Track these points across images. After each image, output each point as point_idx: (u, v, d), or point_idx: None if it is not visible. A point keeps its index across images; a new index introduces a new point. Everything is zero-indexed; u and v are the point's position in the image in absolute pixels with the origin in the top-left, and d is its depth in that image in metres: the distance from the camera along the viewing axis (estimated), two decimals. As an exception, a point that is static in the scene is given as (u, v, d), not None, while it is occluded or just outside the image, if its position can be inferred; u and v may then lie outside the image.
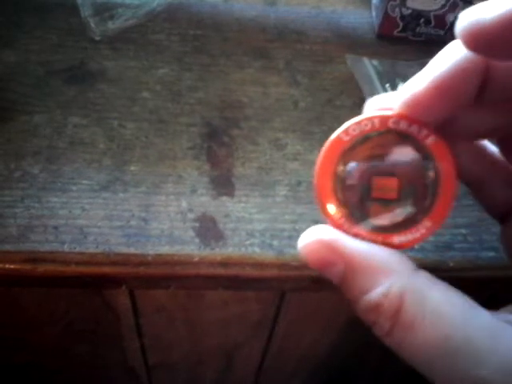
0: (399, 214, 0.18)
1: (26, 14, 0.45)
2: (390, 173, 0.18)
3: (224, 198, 0.35)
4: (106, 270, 0.31)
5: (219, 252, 0.32)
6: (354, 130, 0.18)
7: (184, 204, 0.34)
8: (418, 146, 0.18)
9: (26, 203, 0.33)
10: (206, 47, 0.45)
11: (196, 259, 0.32)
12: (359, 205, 0.19)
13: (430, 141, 0.18)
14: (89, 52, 0.43)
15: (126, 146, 0.37)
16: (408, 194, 0.18)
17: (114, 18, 0.44)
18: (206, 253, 0.32)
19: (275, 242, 0.33)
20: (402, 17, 0.46)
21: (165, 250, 0.32)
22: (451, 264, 0.33)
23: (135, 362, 0.53)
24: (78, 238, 0.32)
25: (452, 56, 0.17)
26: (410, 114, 0.18)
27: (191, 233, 0.33)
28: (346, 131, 0.18)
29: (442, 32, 0.47)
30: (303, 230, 0.17)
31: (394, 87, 0.42)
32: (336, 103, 0.42)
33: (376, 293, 0.16)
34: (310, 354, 0.56)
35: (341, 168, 0.18)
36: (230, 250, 0.32)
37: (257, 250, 0.32)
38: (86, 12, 0.43)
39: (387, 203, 0.18)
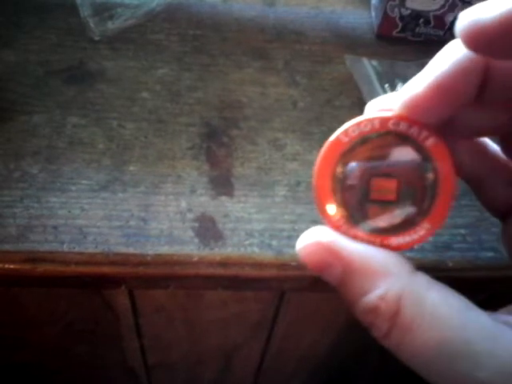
0: (398, 215, 0.18)
1: (25, 14, 0.45)
2: (389, 174, 0.18)
3: (223, 198, 0.35)
4: (106, 269, 0.31)
5: (218, 252, 0.32)
6: (353, 131, 0.18)
7: (183, 204, 0.34)
8: (418, 148, 0.18)
9: (26, 203, 0.33)
10: (205, 47, 0.45)
11: (195, 259, 0.32)
12: (358, 206, 0.19)
13: (430, 142, 0.18)
14: (88, 52, 0.43)
15: (125, 146, 0.37)
16: (407, 195, 0.18)
17: (114, 18, 0.44)
18: (206, 253, 0.32)
19: (274, 242, 0.33)
20: (401, 17, 0.46)
21: (164, 249, 0.32)
22: (450, 264, 0.33)
23: (134, 362, 0.53)
24: (77, 237, 0.32)
25: (451, 56, 0.17)
26: (409, 115, 0.18)
27: (190, 233, 0.33)
28: (345, 132, 0.18)
29: (441, 32, 0.47)
30: (302, 230, 0.17)
31: (393, 87, 0.42)
32: (335, 103, 0.42)
33: (373, 295, 0.16)
34: (309, 355, 0.56)
35: (340, 169, 0.18)
36: (229, 249, 0.32)
37: (256, 249, 0.32)
38: (85, 12, 0.43)
39: (386, 205, 0.18)
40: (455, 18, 0.15)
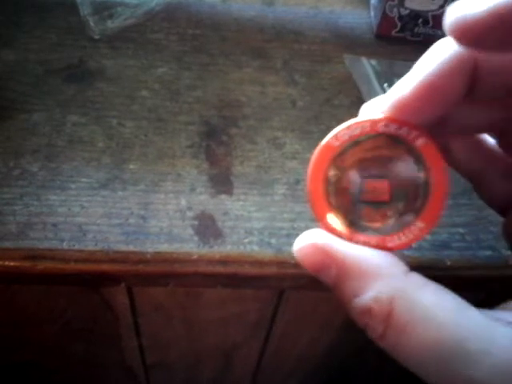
0: (392, 215, 0.19)
1: (25, 13, 0.45)
2: (380, 175, 0.19)
3: (223, 197, 0.35)
4: (105, 267, 0.31)
5: (218, 250, 0.32)
6: (343, 135, 0.19)
7: (183, 202, 0.34)
8: (408, 148, 0.18)
9: (25, 201, 0.33)
10: (204, 47, 0.45)
11: (195, 257, 0.32)
12: (352, 208, 0.19)
13: (420, 142, 0.18)
14: (88, 51, 0.43)
15: (124, 145, 0.37)
16: (399, 195, 0.19)
17: (113, 17, 0.44)
18: (205, 251, 0.32)
19: (274, 241, 0.33)
20: (400, 17, 0.46)
21: (164, 247, 0.32)
22: (448, 263, 0.33)
23: (133, 362, 0.53)
24: (77, 235, 0.32)
25: (437, 56, 0.17)
26: (398, 116, 0.18)
27: (190, 231, 0.33)
28: (335, 136, 0.19)
29: (440, 32, 0.47)
30: (301, 228, 0.18)
31: (392, 87, 0.42)
32: (334, 103, 0.42)
33: (366, 297, 0.16)
34: (308, 354, 0.56)
35: (332, 173, 0.19)
36: (228, 247, 0.32)
37: (255, 248, 0.32)
38: (85, 11, 0.43)
39: (379, 205, 0.19)
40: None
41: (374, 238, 0.18)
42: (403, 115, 0.18)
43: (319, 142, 0.19)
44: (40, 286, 0.38)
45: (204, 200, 0.34)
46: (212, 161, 0.37)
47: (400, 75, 0.18)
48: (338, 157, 0.19)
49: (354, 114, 0.19)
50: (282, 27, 0.48)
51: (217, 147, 0.38)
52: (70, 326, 0.45)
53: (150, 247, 0.32)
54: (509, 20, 0.14)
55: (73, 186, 0.34)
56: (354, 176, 0.19)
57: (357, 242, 0.18)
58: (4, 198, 0.33)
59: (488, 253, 0.34)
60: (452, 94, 0.17)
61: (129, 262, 0.31)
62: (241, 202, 0.35)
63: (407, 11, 0.45)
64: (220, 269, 0.32)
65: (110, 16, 0.44)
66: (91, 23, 0.43)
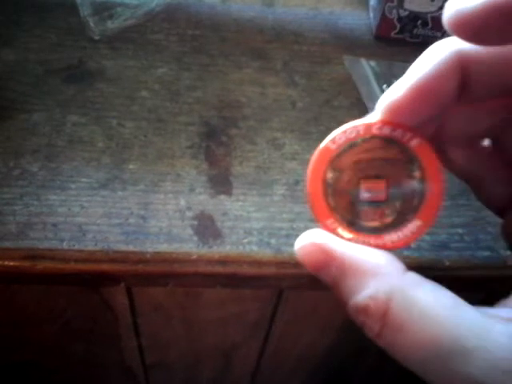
0: (389, 214, 0.19)
1: (25, 13, 0.45)
2: (377, 175, 0.19)
3: (222, 197, 0.35)
4: (105, 267, 0.31)
5: (217, 250, 0.32)
6: (340, 138, 0.19)
7: (182, 202, 0.34)
8: (403, 149, 0.19)
9: (25, 201, 0.33)
10: (204, 47, 0.45)
11: (194, 257, 0.32)
12: (350, 208, 0.19)
13: (414, 143, 0.19)
14: (88, 51, 0.43)
15: (124, 145, 0.37)
16: (396, 195, 0.19)
17: (113, 17, 0.44)
18: (204, 251, 0.32)
19: (273, 241, 0.33)
20: (400, 18, 0.46)
21: (163, 247, 0.32)
22: (447, 263, 0.33)
23: (132, 362, 0.53)
24: (76, 235, 0.32)
25: (430, 59, 0.17)
26: (392, 119, 0.18)
27: (189, 231, 0.33)
28: (332, 140, 0.19)
29: (439, 34, 0.47)
30: (301, 228, 0.18)
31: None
32: (333, 104, 0.42)
33: (363, 295, 0.16)
34: (308, 354, 0.56)
35: (330, 175, 0.19)
36: (227, 248, 0.32)
37: (254, 248, 0.32)
38: (85, 11, 0.43)
39: (377, 205, 0.19)
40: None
41: (372, 237, 0.19)
42: (397, 118, 0.18)
43: (319, 142, 0.19)
44: (40, 286, 0.38)
45: (203, 200, 0.34)
46: (211, 161, 0.37)
47: (399, 76, 0.18)
48: (336, 159, 0.19)
49: (354, 115, 0.19)
50: (281, 28, 0.48)
51: (216, 148, 0.38)
52: (69, 325, 0.45)
53: (150, 247, 0.32)
54: (507, 12, 0.14)
55: (73, 185, 0.34)
56: (351, 177, 0.19)
57: (356, 242, 0.19)
58: (4, 198, 0.33)
59: (486, 253, 0.34)
60: (444, 95, 0.18)
61: (128, 261, 0.31)
62: (240, 203, 0.35)
63: (406, 13, 0.46)
64: (219, 269, 0.32)
65: (110, 16, 0.44)
66: (91, 24, 0.43)
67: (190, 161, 0.37)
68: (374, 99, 0.41)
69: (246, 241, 0.33)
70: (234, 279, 0.33)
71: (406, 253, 0.33)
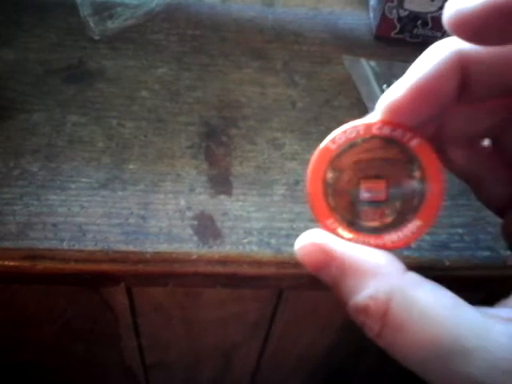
0: (389, 214, 0.19)
1: (25, 12, 0.45)
2: (377, 175, 0.19)
3: (222, 197, 0.35)
4: (105, 267, 0.31)
5: (217, 250, 0.32)
6: (340, 138, 0.19)
7: (182, 202, 0.34)
8: (403, 148, 0.19)
9: (25, 201, 0.33)
10: (204, 47, 0.45)
11: (194, 257, 0.32)
12: (350, 208, 0.19)
13: (414, 143, 0.19)
14: (88, 51, 0.43)
15: (124, 145, 0.37)
16: (397, 194, 0.19)
17: (113, 17, 0.44)
18: (204, 251, 0.32)
19: (273, 241, 0.33)
20: (400, 18, 0.46)
21: (163, 247, 0.32)
22: (447, 263, 0.33)
23: (132, 362, 0.53)
24: (76, 235, 0.32)
25: (429, 59, 0.17)
26: (392, 119, 0.18)
27: (189, 231, 0.33)
28: (332, 140, 0.19)
29: (439, 34, 0.47)
30: (301, 228, 0.18)
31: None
32: (333, 104, 0.42)
33: (363, 295, 0.16)
34: (308, 354, 0.56)
35: (330, 175, 0.19)
36: (227, 248, 0.32)
37: (254, 248, 0.32)
38: (85, 11, 0.43)
39: (377, 205, 0.19)
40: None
41: (372, 237, 0.19)
42: (397, 118, 0.18)
43: (318, 142, 0.19)
44: (40, 286, 0.38)
45: (203, 200, 0.34)
46: (211, 161, 0.37)
47: (399, 76, 0.18)
48: (336, 159, 0.19)
49: (354, 115, 0.19)
50: (281, 28, 0.48)
51: (216, 148, 0.38)
52: (69, 325, 0.45)
53: (150, 247, 0.32)
54: (507, 12, 0.14)
55: (73, 185, 0.34)
56: (351, 177, 0.19)
57: (356, 242, 0.19)
58: (4, 198, 0.33)
59: (486, 253, 0.34)
60: (444, 95, 0.18)
61: (128, 261, 0.31)
62: (240, 203, 0.35)
63: (406, 13, 0.46)
64: (219, 269, 0.32)
65: (110, 17, 0.44)
66: (91, 24, 0.43)
67: (190, 161, 0.37)
68: (374, 99, 0.41)
69: (245, 241, 0.33)
70: (233, 279, 0.33)
71: (406, 253, 0.33)
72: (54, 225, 0.32)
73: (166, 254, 0.32)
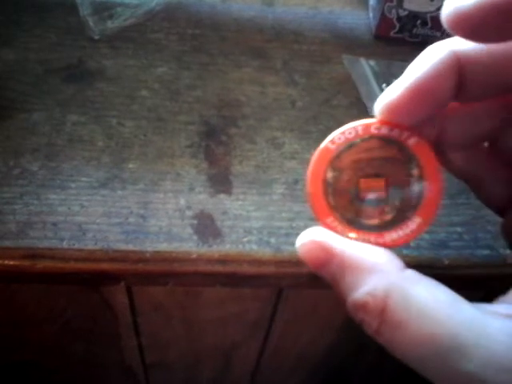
0: (389, 212, 0.19)
1: (25, 12, 0.45)
2: (376, 174, 0.19)
3: (222, 196, 0.35)
4: (105, 266, 0.31)
5: (217, 249, 0.32)
6: (339, 138, 0.20)
7: (182, 201, 0.34)
8: (401, 147, 0.19)
9: (25, 200, 0.33)
10: (204, 47, 0.45)
11: (194, 256, 0.32)
12: (350, 207, 0.19)
13: (412, 142, 0.19)
14: (87, 51, 0.43)
15: (124, 144, 0.37)
16: (396, 193, 0.19)
17: (113, 17, 0.44)
18: (204, 250, 0.32)
19: (272, 240, 0.33)
20: (399, 18, 0.46)
21: (163, 246, 0.32)
22: (446, 262, 0.33)
23: (132, 361, 0.53)
24: (76, 234, 0.32)
25: (426, 60, 0.18)
26: (390, 119, 0.19)
27: (189, 230, 0.33)
28: (332, 140, 0.20)
29: (438, 33, 0.47)
30: (300, 227, 0.18)
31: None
32: (333, 103, 0.42)
33: (362, 292, 0.17)
34: (308, 354, 0.56)
35: (330, 174, 0.19)
36: (227, 247, 0.32)
37: (254, 247, 0.33)
38: (84, 11, 0.43)
39: (376, 203, 0.19)
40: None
41: (372, 235, 0.19)
42: (395, 117, 0.19)
43: (318, 142, 0.20)
44: (40, 285, 0.38)
45: (203, 199, 0.35)
46: (211, 160, 0.37)
47: (398, 76, 0.18)
48: (336, 159, 0.19)
49: (353, 114, 0.19)
50: (281, 27, 0.48)
51: (216, 147, 0.38)
52: (69, 325, 0.45)
53: (150, 246, 0.32)
54: (504, 9, 0.14)
55: (73, 185, 0.34)
56: (351, 176, 0.19)
57: (356, 240, 0.19)
58: (4, 197, 0.33)
59: (486, 252, 0.34)
60: (442, 95, 0.18)
61: (128, 261, 0.31)
62: (240, 202, 0.35)
63: (406, 12, 0.46)
64: (219, 268, 0.32)
65: (110, 16, 0.44)
66: (91, 23, 0.43)
67: (190, 160, 0.37)
68: (374, 98, 0.41)
69: (245, 240, 0.33)
70: (233, 278, 0.33)
71: (405, 251, 0.33)
72: (54, 224, 0.32)
73: (166, 253, 0.32)
